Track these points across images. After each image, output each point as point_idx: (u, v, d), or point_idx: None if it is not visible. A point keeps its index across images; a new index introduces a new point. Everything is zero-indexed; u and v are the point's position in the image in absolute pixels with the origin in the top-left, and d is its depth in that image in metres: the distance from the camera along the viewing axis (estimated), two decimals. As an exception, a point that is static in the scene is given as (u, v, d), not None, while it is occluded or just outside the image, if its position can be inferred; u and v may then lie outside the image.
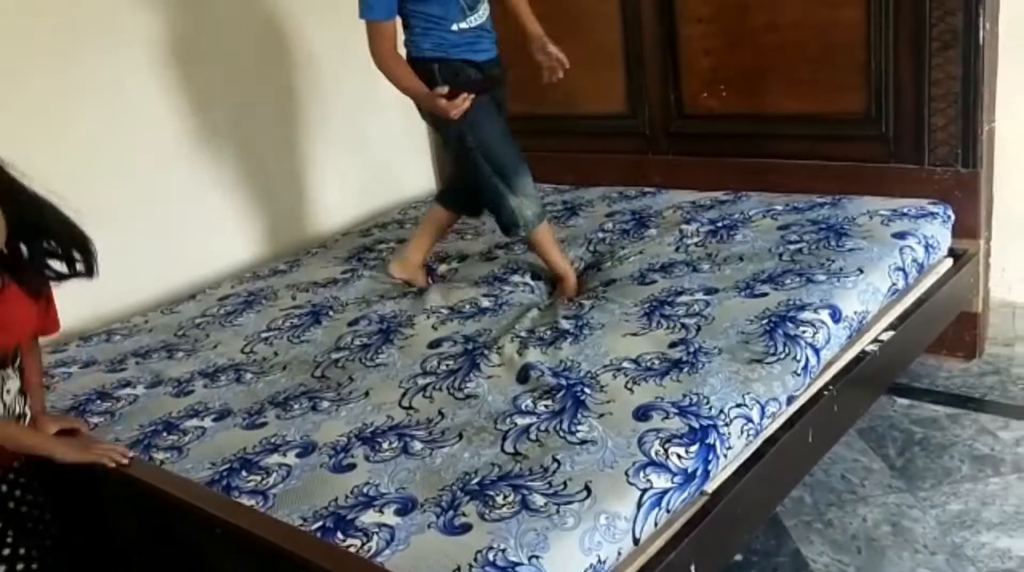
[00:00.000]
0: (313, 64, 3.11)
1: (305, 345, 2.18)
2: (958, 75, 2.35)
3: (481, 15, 2.30)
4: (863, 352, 2.02)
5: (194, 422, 1.85)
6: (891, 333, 2.10)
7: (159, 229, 2.76)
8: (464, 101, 2.15)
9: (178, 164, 2.80)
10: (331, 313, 2.34)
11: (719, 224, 2.55)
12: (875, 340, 2.06)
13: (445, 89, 2.20)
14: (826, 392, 1.87)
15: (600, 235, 2.67)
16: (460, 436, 1.65)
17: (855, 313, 1.99)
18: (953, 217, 2.41)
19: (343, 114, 3.23)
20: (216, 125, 2.89)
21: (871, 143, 2.56)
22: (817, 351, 1.86)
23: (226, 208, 2.95)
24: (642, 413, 1.65)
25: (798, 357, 1.81)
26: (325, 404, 1.84)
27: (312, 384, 1.96)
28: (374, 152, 3.37)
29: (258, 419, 1.82)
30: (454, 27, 2.23)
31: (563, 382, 1.78)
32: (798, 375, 1.80)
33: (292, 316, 2.35)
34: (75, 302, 2.53)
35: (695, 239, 2.48)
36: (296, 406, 1.85)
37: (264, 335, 2.27)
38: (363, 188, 3.34)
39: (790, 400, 1.78)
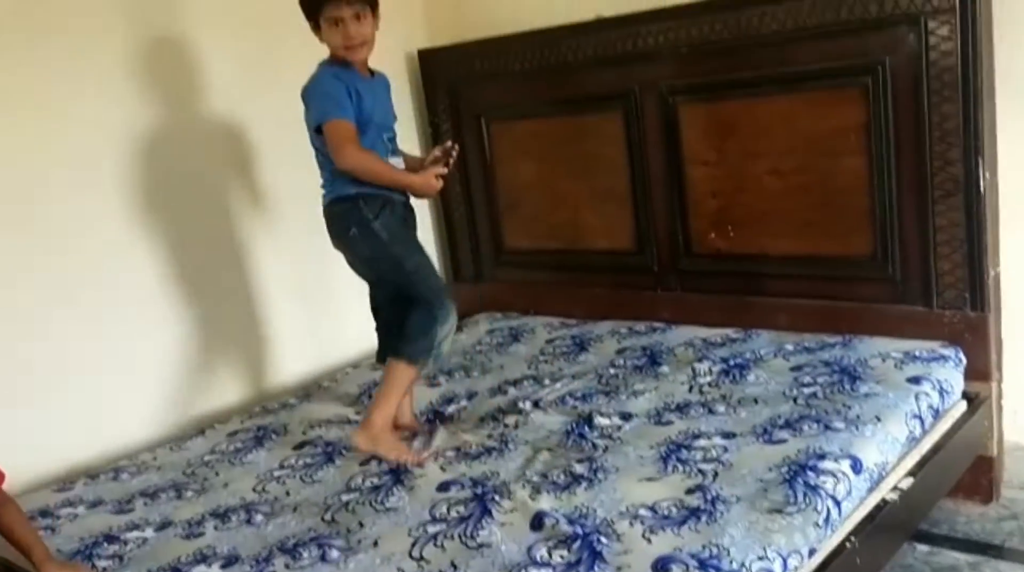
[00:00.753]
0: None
1: (316, 485, 2.15)
2: (961, 222, 2.41)
3: (399, 154, 2.33)
4: (883, 501, 1.99)
5: (201, 569, 1.80)
6: (910, 480, 2.07)
7: (164, 362, 2.77)
8: (447, 158, 2.23)
9: (182, 294, 2.83)
10: (344, 451, 2.32)
11: (731, 363, 2.56)
12: (895, 488, 2.04)
13: (437, 152, 2.26)
14: (848, 544, 1.84)
15: (612, 371, 2.67)
16: (476, 590, 1.61)
17: (875, 464, 1.97)
18: (965, 360, 2.42)
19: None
20: (220, 257, 2.93)
21: (879, 285, 2.60)
22: (838, 503, 1.83)
23: (234, 340, 2.97)
24: (662, 566, 1.61)
25: (819, 508, 1.79)
26: (335, 553, 1.80)
27: (322, 528, 1.92)
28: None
29: (266, 568, 1.78)
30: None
31: (578, 530, 1.75)
32: (819, 527, 1.77)
33: (304, 455, 2.32)
34: (81, 438, 2.56)
35: (708, 378, 2.49)
36: (305, 554, 1.81)
37: (276, 473, 2.24)
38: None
39: (811, 552, 1.75)
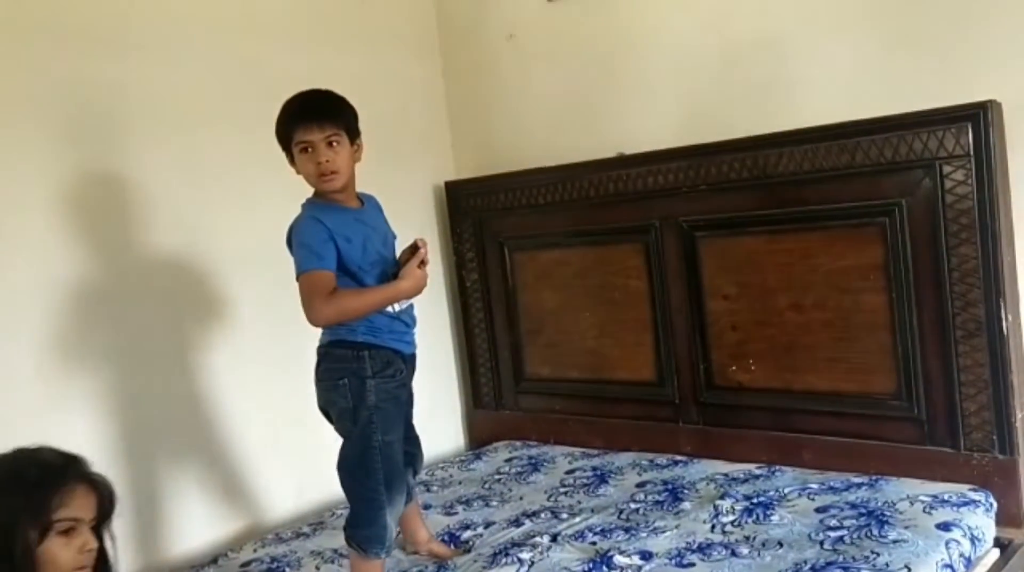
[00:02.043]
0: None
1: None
2: (985, 362, 2.39)
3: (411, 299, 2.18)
4: (916, 655, 1.91)
5: None
6: (945, 634, 1.99)
7: (183, 481, 2.75)
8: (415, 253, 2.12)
9: (211, 406, 2.83)
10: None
11: (755, 501, 2.50)
12: (928, 641, 1.96)
13: (405, 255, 2.14)
14: None
15: (632, 506, 2.62)
16: None
17: (908, 619, 1.90)
18: (995, 505, 2.36)
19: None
20: (249, 370, 2.91)
21: (904, 424, 2.57)
22: (869, 659, 1.76)
23: (246, 463, 2.94)
24: None
25: (850, 664, 1.71)
26: None
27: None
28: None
29: None
30: (389, 308, 2.12)
31: None
32: None
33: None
34: None
35: (731, 517, 2.43)
36: None
37: (286, 612, 2.19)
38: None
39: None
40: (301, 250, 2.04)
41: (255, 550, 2.63)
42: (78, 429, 2.47)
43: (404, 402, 2.25)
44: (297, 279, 2.04)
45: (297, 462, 3.01)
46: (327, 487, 3.00)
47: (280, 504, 3.01)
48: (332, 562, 2.47)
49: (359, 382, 2.11)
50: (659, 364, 3.11)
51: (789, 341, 2.80)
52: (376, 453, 2.10)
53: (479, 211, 3.47)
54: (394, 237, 2.27)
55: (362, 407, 2.10)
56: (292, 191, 2.16)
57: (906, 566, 2.03)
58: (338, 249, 2.06)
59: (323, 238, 2.03)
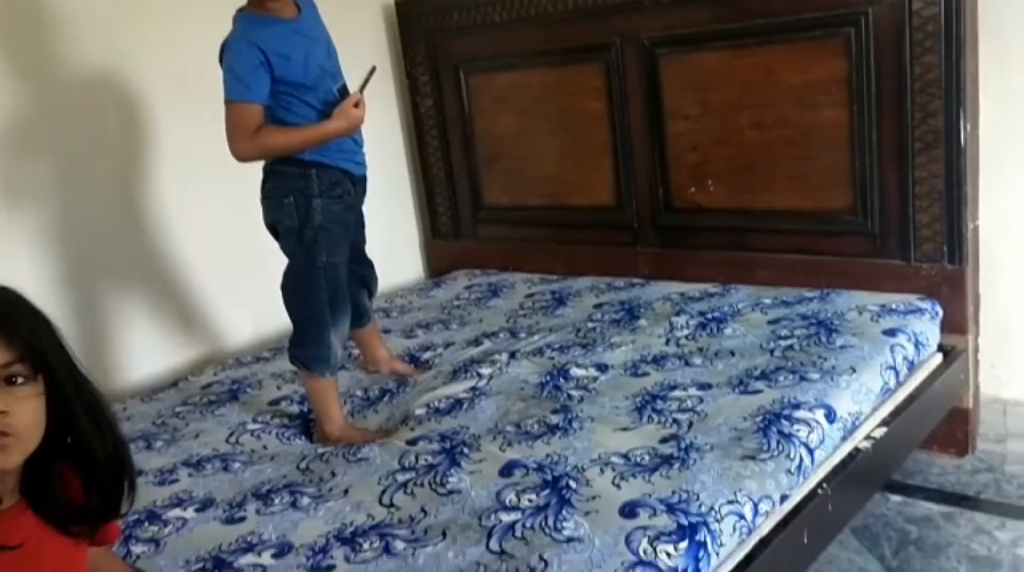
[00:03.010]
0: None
1: (293, 440, 2.13)
2: (941, 174, 2.39)
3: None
4: (856, 449, 1.99)
5: (176, 512, 1.79)
6: (883, 429, 2.07)
7: (137, 311, 2.73)
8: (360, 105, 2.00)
9: (158, 237, 2.78)
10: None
11: (709, 316, 2.54)
12: (867, 437, 2.04)
13: (358, 97, 2.00)
14: (820, 491, 1.84)
15: (590, 325, 2.65)
16: (443, 534, 1.60)
17: (849, 413, 1.97)
18: (941, 313, 2.42)
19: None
20: (206, 193, 2.83)
21: (857, 239, 2.59)
22: (811, 451, 1.83)
23: (207, 292, 2.92)
24: (629, 510, 1.60)
25: (792, 456, 1.78)
26: (305, 500, 1.78)
27: (295, 477, 1.90)
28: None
29: (238, 512, 1.77)
30: None
31: (548, 476, 1.74)
32: (792, 474, 1.76)
33: (278, 413, 2.30)
34: None
35: (685, 332, 2.47)
36: (277, 500, 1.80)
37: (251, 427, 2.21)
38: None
39: (783, 498, 1.74)
40: (229, 77, 1.95)
41: (215, 373, 2.65)
42: (21, 268, 2.43)
43: (352, 225, 2.20)
44: (234, 99, 1.95)
45: (253, 291, 2.97)
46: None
47: (238, 333, 3.01)
48: (292, 382, 2.49)
49: (305, 201, 2.05)
50: (618, 188, 3.08)
51: (749, 161, 2.77)
52: (320, 273, 2.07)
53: (433, 32, 3.32)
54: (335, 54, 2.15)
55: (307, 227, 2.06)
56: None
57: (851, 368, 2.09)
58: (273, 69, 1.95)
59: (253, 64, 1.92)
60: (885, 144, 2.48)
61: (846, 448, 1.98)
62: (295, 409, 2.31)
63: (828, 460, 1.92)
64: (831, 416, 1.93)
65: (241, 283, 2.96)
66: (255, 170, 2.13)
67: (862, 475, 1.98)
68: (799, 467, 1.79)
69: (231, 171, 2.12)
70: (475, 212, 3.47)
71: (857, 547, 2.18)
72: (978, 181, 2.44)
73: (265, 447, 2.11)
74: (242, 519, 1.74)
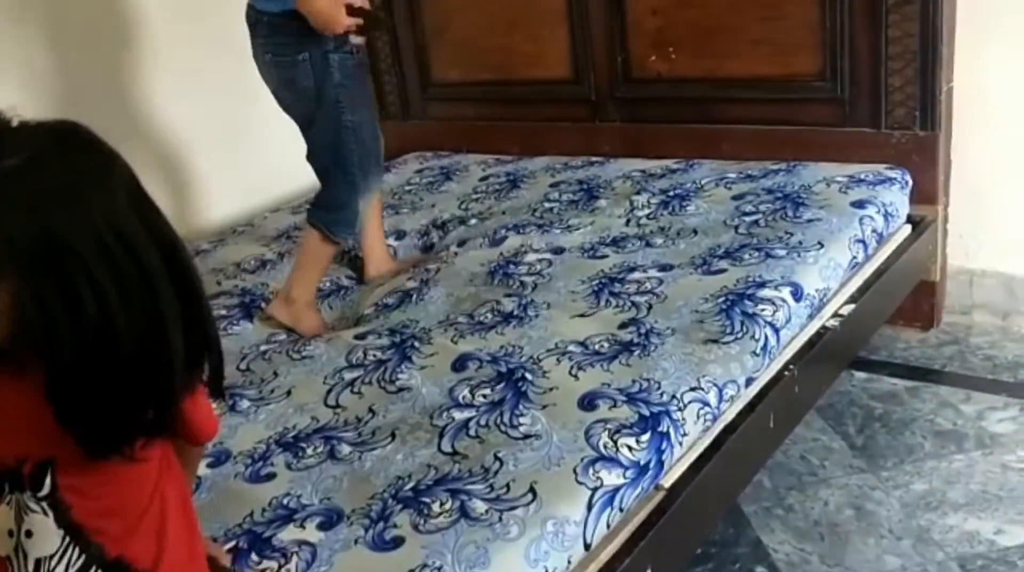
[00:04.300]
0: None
1: (233, 337, 2.00)
2: (916, 33, 2.24)
3: None
4: (823, 328, 1.91)
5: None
6: (851, 306, 1.99)
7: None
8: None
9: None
10: (263, 302, 2.16)
11: (671, 194, 2.42)
12: (835, 314, 1.96)
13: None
14: (787, 373, 1.76)
15: (546, 205, 2.52)
16: (392, 436, 1.50)
17: (816, 290, 1.88)
18: (911, 182, 2.31)
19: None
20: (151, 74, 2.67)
21: (826, 106, 2.45)
22: (777, 330, 1.74)
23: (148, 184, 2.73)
24: (588, 402, 1.52)
25: (757, 337, 1.70)
26: (245, 404, 1.67)
27: (235, 377, 1.79)
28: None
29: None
30: None
31: (502, 369, 1.64)
32: (757, 355, 1.68)
33: (219, 306, 2.16)
34: None
35: (646, 211, 2.35)
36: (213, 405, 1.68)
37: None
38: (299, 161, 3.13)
39: (749, 382, 1.67)
40: None
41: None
42: None
43: (365, 83, 2.08)
44: None
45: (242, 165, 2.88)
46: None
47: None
48: (234, 277, 2.35)
49: (322, 57, 1.89)
50: (575, 59, 2.89)
51: (713, 24, 2.59)
52: (348, 133, 1.94)
53: None
54: None
55: (327, 84, 1.91)
56: None
57: (819, 242, 1.99)
58: None
59: None
60: (857, 1, 2.31)
61: (813, 327, 1.90)
62: (234, 301, 2.18)
63: (794, 340, 1.84)
64: (798, 294, 1.84)
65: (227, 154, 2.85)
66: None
67: (829, 354, 1.91)
68: (764, 348, 1.70)
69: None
70: (424, 90, 3.26)
71: (822, 426, 2.14)
72: (954, 41, 2.29)
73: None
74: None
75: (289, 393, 1.70)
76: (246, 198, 3.01)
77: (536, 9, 2.89)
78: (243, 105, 2.68)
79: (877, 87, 2.34)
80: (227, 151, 2.92)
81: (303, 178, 2.31)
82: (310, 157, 2.03)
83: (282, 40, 1.90)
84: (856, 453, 2.03)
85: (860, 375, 2.32)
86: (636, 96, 2.82)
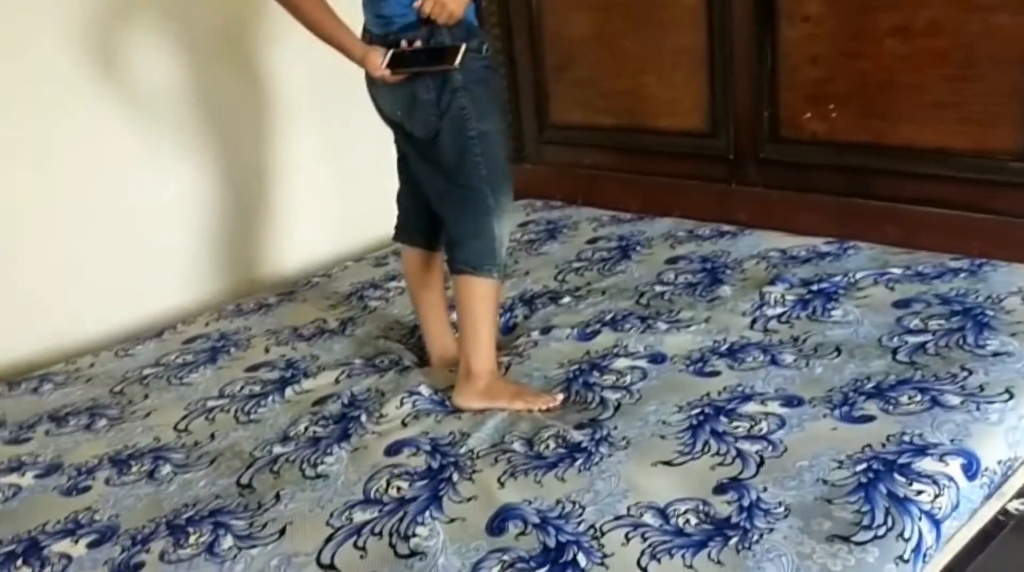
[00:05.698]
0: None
1: (251, 426, 1.70)
2: None
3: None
4: (1004, 514, 1.40)
5: (64, 546, 1.39)
6: (1047, 483, 1.47)
7: (139, 242, 2.35)
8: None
9: (165, 165, 2.37)
10: (303, 379, 1.85)
11: (814, 288, 1.95)
12: (1021, 494, 1.44)
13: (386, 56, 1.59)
14: (947, 584, 1.28)
15: (657, 289, 2.09)
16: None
17: (999, 463, 1.37)
18: None
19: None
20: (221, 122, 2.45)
21: (1028, 193, 1.92)
22: (938, 524, 1.25)
23: (231, 216, 2.53)
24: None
25: (907, 534, 1.22)
26: (227, 542, 1.34)
27: (230, 498, 1.47)
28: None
29: (140, 554, 1.35)
30: None
31: (550, 541, 1.24)
32: (905, 563, 1.20)
33: (254, 381, 1.87)
34: (29, 331, 2.20)
35: (779, 310, 1.89)
36: (192, 538, 1.36)
37: (211, 404, 1.80)
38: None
39: (889, 603, 1.19)
40: None
41: (207, 324, 2.25)
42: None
43: (496, 88, 1.78)
44: None
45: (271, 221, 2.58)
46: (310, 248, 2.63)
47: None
48: (287, 344, 2.06)
49: (477, 72, 1.63)
50: (713, 109, 2.46)
51: (886, 79, 2.10)
52: (473, 144, 1.63)
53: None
54: None
55: (445, 92, 1.61)
56: None
57: (1008, 389, 1.48)
58: None
59: None
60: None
61: (987, 512, 1.39)
62: (274, 375, 1.89)
63: (958, 533, 1.34)
64: (972, 468, 1.34)
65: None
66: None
67: (1009, 554, 1.39)
68: (917, 551, 1.22)
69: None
70: (540, 131, 2.90)
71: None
72: None
73: (213, 436, 1.68)
74: (140, 568, 1.32)
75: (283, 532, 1.36)
76: (334, 241, 2.74)
77: (671, 49, 2.48)
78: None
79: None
80: (318, 183, 2.67)
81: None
82: (434, 196, 1.71)
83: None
84: None
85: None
86: (784, 158, 2.35)
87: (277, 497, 1.44)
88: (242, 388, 1.85)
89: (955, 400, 1.47)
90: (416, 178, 1.77)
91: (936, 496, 1.28)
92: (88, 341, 2.24)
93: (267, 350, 2.04)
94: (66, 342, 2.23)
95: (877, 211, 2.19)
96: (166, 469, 1.58)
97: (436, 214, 1.75)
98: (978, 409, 1.44)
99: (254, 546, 1.33)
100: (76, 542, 1.39)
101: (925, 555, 1.23)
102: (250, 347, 2.07)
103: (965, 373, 1.54)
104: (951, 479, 1.30)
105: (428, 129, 1.65)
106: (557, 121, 2.85)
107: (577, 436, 1.50)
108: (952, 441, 1.37)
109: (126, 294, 2.33)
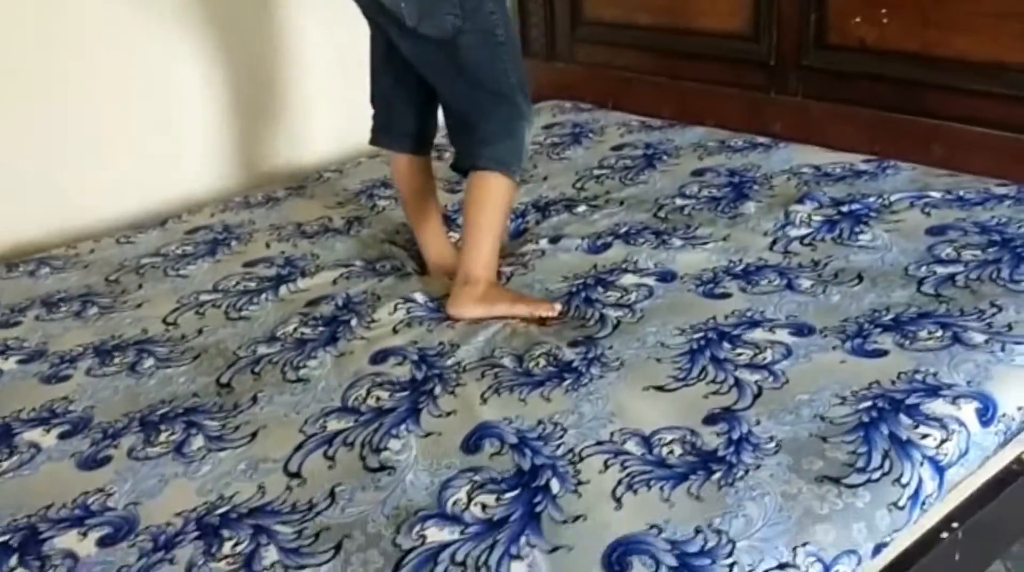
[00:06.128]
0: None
1: (240, 324, 1.65)
2: None
3: None
4: (1019, 462, 1.31)
5: (35, 435, 1.36)
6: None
7: (156, 126, 2.30)
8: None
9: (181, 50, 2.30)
10: (299, 278, 1.80)
11: (844, 209, 1.83)
12: (1040, 442, 1.34)
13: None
14: (944, 535, 1.19)
15: (678, 202, 1.98)
16: (337, 550, 1.09)
17: (1019, 409, 1.27)
18: None
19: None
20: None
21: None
22: (941, 471, 1.17)
23: (249, 106, 2.45)
24: (617, 558, 1.03)
25: (905, 480, 1.13)
26: (197, 442, 1.31)
27: (207, 397, 1.43)
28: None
29: (108, 448, 1.32)
30: None
31: (524, 464, 1.18)
32: (900, 509, 1.12)
33: (250, 277, 1.82)
34: (40, 211, 2.17)
35: (804, 231, 1.77)
36: (163, 436, 1.32)
37: (204, 298, 1.76)
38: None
39: (877, 551, 1.12)
40: None
41: (212, 214, 2.20)
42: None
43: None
44: None
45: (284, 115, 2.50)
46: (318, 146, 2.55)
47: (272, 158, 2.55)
48: (288, 240, 2.00)
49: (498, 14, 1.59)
50: (756, 9, 2.30)
51: (946, -16, 1.91)
52: (504, 51, 1.61)
53: None
54: None
55: (497, 43, 1.59)
56: None
57: (1039, 332, 1.36)
58: None
59: None
60: None
61: (1000, 461, 1.30)
62: (271, 271, 1.83)
63: (965, 482, 1.25)
64: (988, 413, 1.24)
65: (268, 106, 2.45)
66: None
67: (1019, 509, 1.31)
68: (914, 498, 1.14)
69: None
70: (573, 28, 2.75)
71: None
72: None
73: (200, 331, 1.64)
74: (107, 461, 1.29)
75: (254, 436, 1.32)
76: (349, 134, 2.64)
77: (714, -59, 2.29)
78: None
79: None
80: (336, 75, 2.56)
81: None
82: (462, 88, 1.63)
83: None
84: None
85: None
86: (828, 66, 2.19)
87: (254, 399, 1.40)
88: (237, 283, 1.80)
89: (979, 338, 1.36)
90: (407, 76, 1.67)
91: (943, 441, 1.19)
92: (102, 229, 2.21)
93: (268, 246, 1.98)
94: (78, 227, 2.20)
95: (923, 128, 2.03)
96: (148, 362, 1.54)
97: (423, 115, 1.69)
98: (1003, 349, 1.33)
99: (223, 449, 1.29)
100: (48, 432, 1.37)
101: (924, 503, 1.15)
102: (251, 241, 2.01)
103: (994, 310, 1.43)
104: (962, 423, 1.21)
105: (446, 29, 1.55)
106: (591, 17, 2.69)
107: (569, 354, 1.42)
108: (969, 383, 1.27)
109: (143, 183, 2.30)
